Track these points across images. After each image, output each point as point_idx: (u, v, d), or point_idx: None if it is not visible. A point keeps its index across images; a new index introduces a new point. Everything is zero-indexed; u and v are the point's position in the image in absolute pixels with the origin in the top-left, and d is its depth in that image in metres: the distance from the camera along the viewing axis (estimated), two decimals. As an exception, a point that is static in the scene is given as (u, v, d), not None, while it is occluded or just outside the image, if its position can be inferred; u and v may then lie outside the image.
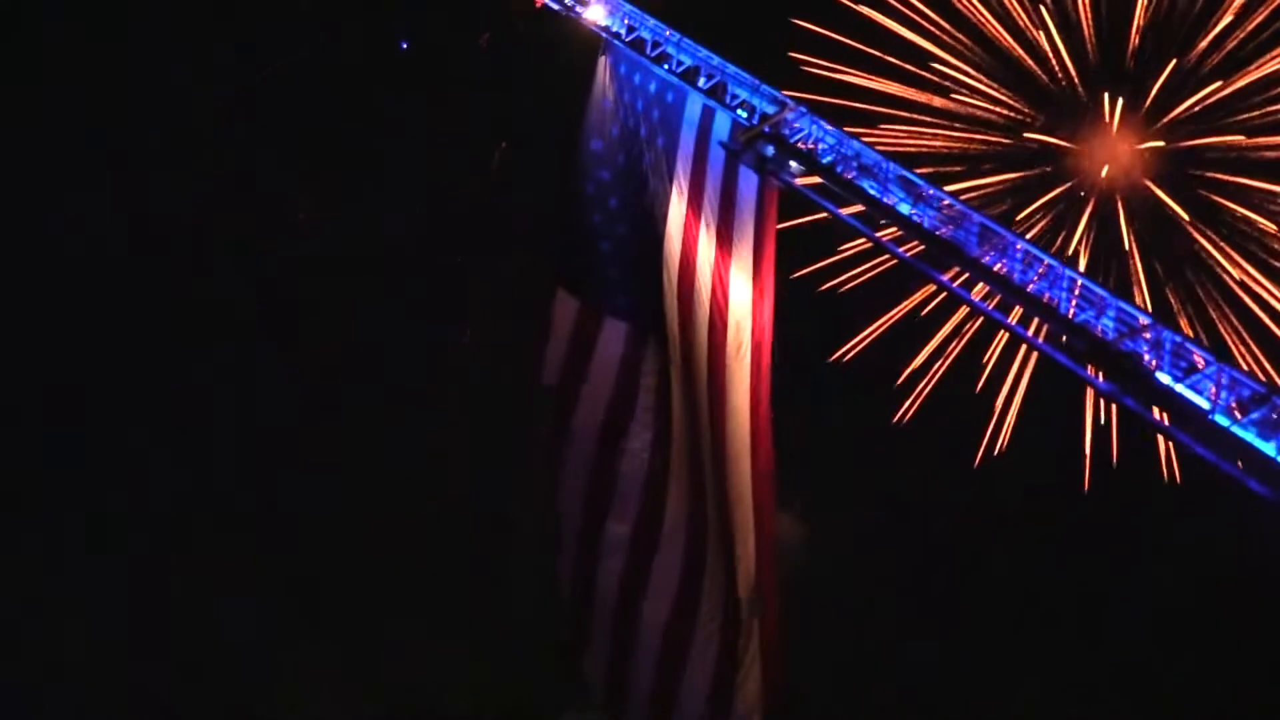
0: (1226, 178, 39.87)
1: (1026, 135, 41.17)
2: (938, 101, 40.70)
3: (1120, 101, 40.12)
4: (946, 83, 40.74)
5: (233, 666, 38.80)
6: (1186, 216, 40.07)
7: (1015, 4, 40.53)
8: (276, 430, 40.61)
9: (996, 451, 40.93)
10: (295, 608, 39.66)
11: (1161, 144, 40.23)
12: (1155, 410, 17.11)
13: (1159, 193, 40.24)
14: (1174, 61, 39.34)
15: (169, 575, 38.75)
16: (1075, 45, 41.07)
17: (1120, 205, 40.34)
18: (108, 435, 39.51)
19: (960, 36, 40.66)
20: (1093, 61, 40.87)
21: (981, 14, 40.53)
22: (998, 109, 41.19)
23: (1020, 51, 40.88)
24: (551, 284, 23.49)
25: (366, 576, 40.56)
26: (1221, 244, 39.69)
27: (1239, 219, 39.54)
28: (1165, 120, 40.13)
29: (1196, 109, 39.59)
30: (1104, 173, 40.60)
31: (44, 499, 38.59)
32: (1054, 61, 40.96)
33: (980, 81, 41.03)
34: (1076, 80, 41.08)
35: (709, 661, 21.48)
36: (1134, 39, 40.14)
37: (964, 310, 40.13)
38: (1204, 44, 39.14)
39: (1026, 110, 41.22)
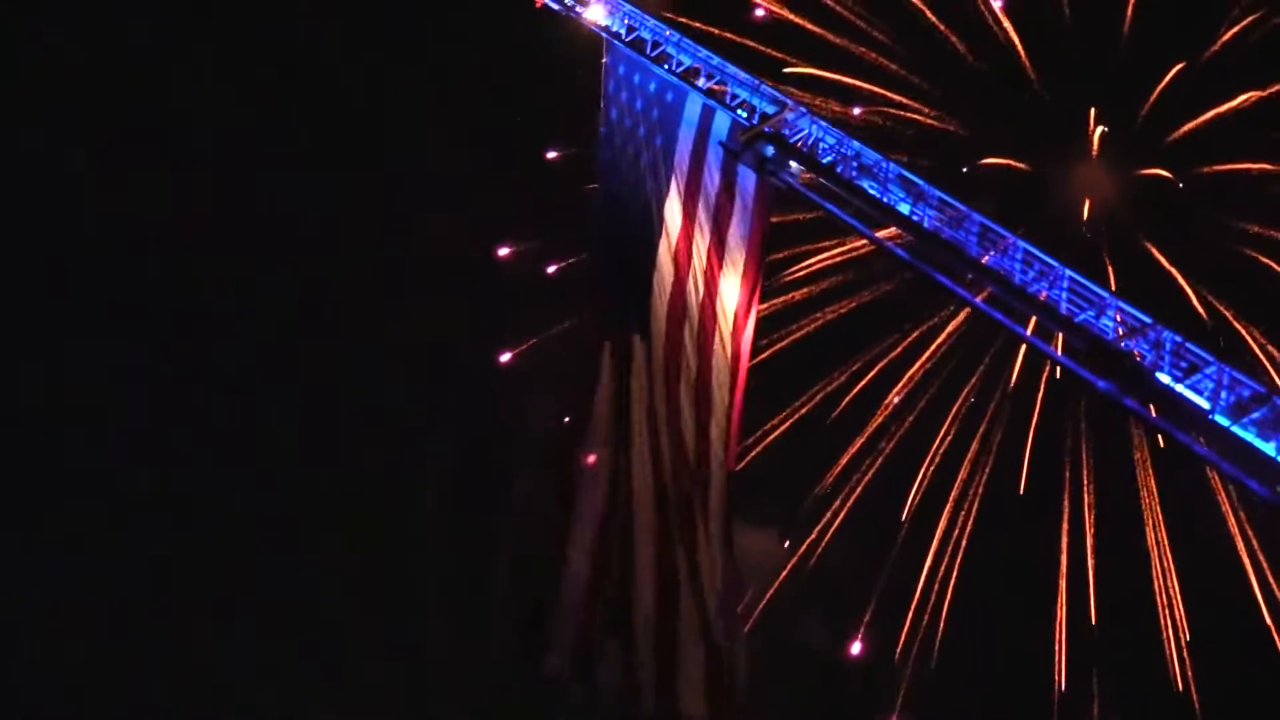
0: (1262, 230, 33.26)
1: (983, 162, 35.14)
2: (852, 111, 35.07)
3: (1104, 128, 34.60)
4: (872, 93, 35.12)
5: (231, 672, 38.70)
6: (1186, 282, 32.85)
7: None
8: (274, 431, 40.55)
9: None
10: (293, 612, 39.59)
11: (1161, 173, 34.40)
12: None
13: (1156, 252, 33.40)
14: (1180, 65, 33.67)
15: (168, 579, 38.68)
16: (1047, 43, 35.08)
17: (1106, 257, 34.30)
18: (106, 435, 39.43)
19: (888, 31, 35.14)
20: (1072, 65, 34.96)
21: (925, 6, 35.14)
22: (944, 123, 35.68)
23: (968, 50, 35.06)
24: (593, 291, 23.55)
25: (363, 581, 40.51)
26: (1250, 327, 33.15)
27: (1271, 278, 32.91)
28: (1167, 140, 34.65)
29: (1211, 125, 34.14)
30: (1085, 210, 35.10)
31: (38, 499, 38.52)
32: (1023, 60, 35.17)
33: (923, 88, 35.55)
34: (1038, 86, 34.96)
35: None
36: (1125, 34, 34.46)
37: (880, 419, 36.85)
38: (1219, 44, 33.75)
39: (979, 126, 35.40)
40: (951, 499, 37.64)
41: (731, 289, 21.99)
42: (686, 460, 21.53)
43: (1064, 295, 18.35)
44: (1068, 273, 18.47)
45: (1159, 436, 34.50)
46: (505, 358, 38.71)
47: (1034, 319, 19.03)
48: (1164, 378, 17.02)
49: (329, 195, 39.56)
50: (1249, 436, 16.24)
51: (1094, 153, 35.46)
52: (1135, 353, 17.37)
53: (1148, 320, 17.61)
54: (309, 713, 39.84)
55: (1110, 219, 35.28)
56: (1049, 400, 36.67)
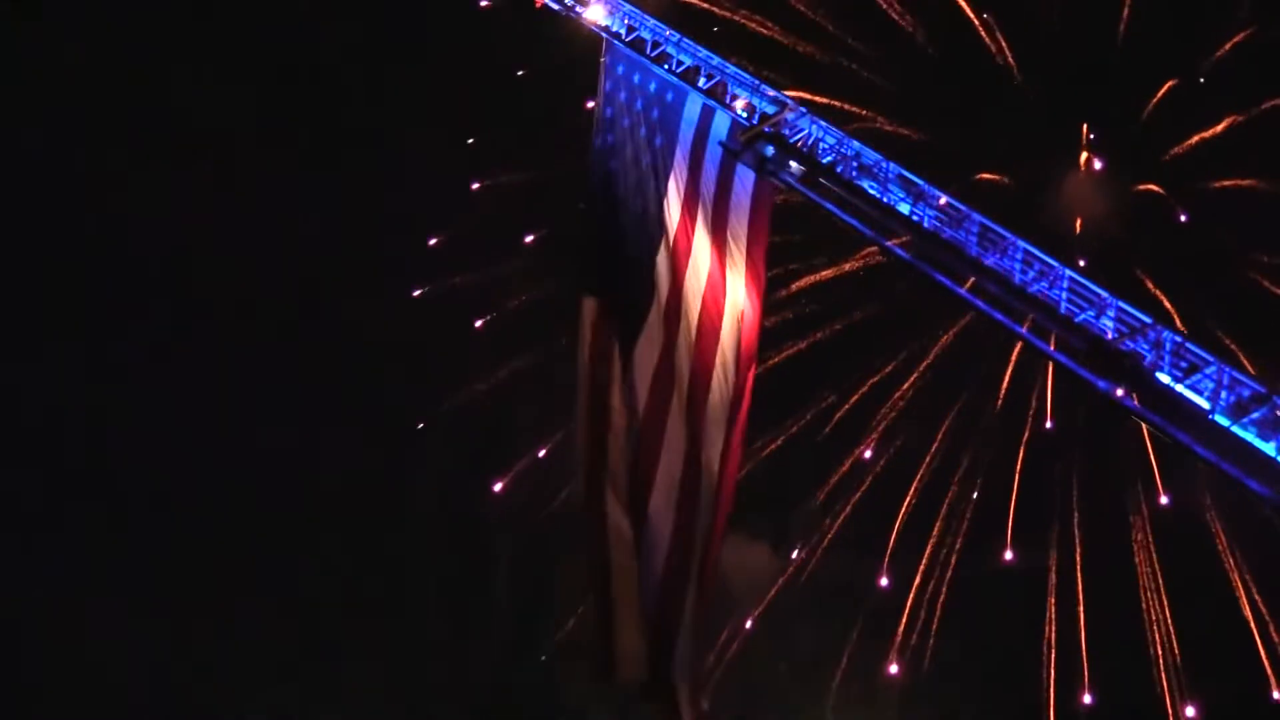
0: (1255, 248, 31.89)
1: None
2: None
3: (1088, 153, 33.43)
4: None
5: (230, 673, 38.64)
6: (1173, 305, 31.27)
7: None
8: (274, 432, 40.54)
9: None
10: (293, 613, 39.53)
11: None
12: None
13: (1146, 279, 31.83)
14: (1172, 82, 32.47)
15: (168, 579, 38.65)
16: (1039, 55, 34.02)
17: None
18: (105, 435, 39.39)
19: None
20: (1064, 76, 33.66)
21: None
22: (929, 137, 34.29)
23: (956, 61, 33.85)
24: (581, 290, 23.40)
25: (363, 581, 40.44)
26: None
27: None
28: (1162, 156, 33.46)
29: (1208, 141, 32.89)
30: (1077, 227, 33.71)
31: (37, 499, 38.52)
32: (1011, 67, 34.05)
33: (909, 102, 34.07)
34: (1028, 96, 33.83)
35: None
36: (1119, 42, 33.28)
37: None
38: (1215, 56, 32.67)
39: (968, 140, 33.96)
40: (941, 516, 37.57)
41: (734, 290, 21.95)
42: (695, 468, 21.32)
43: (1064, 295, 18.32)
44: (1068, 273, 18.43)
45: (1153, 462, 34.50)
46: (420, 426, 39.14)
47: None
48: (1164, 378, 17.00)
49: (329, 195, 39.56)
50: (1249, 436, 16.19)
51: (1082, 171, 34.60)
52: (1136, 352, 17.35)
53: (1148, 320, 17.58)
54: (309, 713, 39.88)
55: (1101, 237, 34.46)
56: (1039, 417, 36.58)
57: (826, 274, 37.28)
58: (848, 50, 36.07)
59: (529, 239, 37.92)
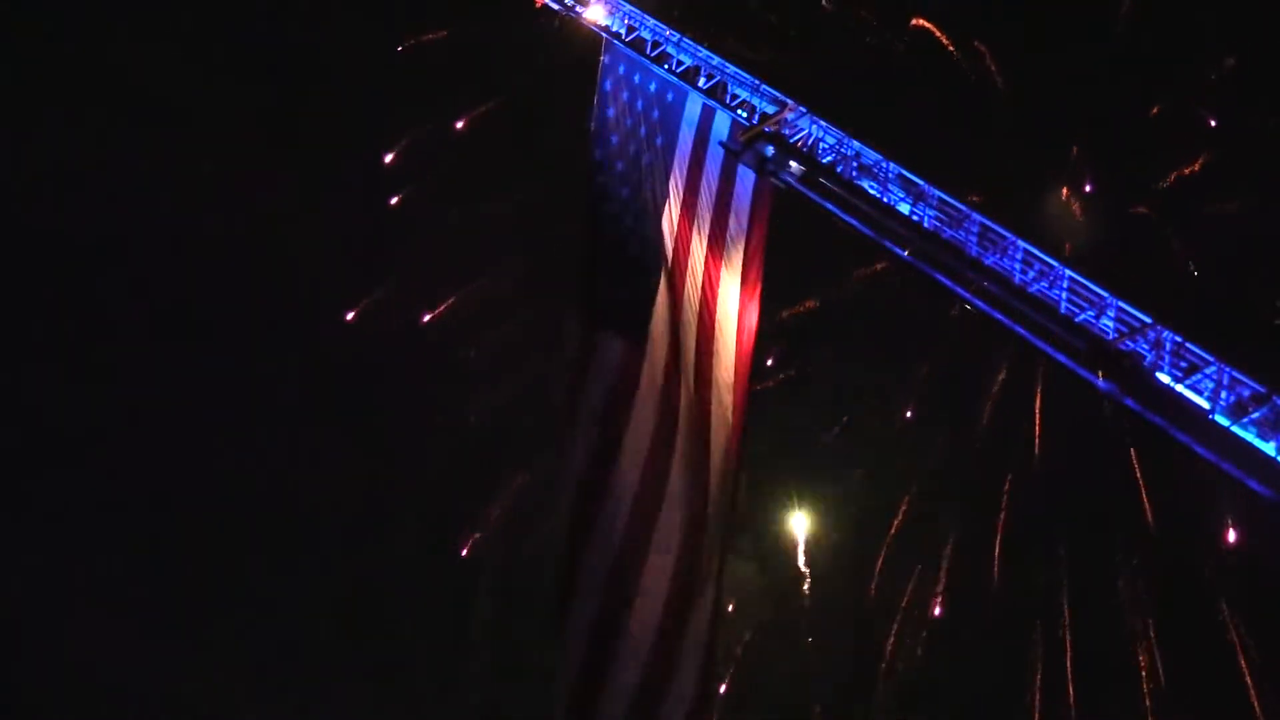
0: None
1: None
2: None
3: (1067, 191, 33.30)
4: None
5: (217, 692, 38.41)
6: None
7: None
8: (271, 436, 40.42)
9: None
10: (280, 631, 39.34)
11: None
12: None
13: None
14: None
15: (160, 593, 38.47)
16: (1026, 73, 33.67)
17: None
18: (104, 435, 39.24)
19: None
20: (1053, 97, 33.45)
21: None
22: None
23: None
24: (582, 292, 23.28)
25: (351, 598, 40.23)
26: None
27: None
28: (1154, 182, 33.18)
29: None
30: (1067, 250, 31.84)
31: (34, 501, 38.37)
32: (1000, 90, 34.07)
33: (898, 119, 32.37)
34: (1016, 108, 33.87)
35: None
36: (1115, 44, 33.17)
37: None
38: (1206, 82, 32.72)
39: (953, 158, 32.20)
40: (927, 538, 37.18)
41: (732, 292, 21.91)
42: (700, 471, 21.15)
43: (1064, 295, 18.31)
44: (1068, 273, 18.43)
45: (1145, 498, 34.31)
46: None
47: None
48: (1164, 377, 16.96)
49: (329, 195, 39.55)
50: (1249, 436, 16.17)
51: (1065, 197, 34.34)
52: (1136, 352, 17.31)
53: (1148, 320, 17.58)
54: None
55: (1091, 260, 34.30)
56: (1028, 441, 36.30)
57: (811, 304, 37.11)
58: (830, 67, 35.82)
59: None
